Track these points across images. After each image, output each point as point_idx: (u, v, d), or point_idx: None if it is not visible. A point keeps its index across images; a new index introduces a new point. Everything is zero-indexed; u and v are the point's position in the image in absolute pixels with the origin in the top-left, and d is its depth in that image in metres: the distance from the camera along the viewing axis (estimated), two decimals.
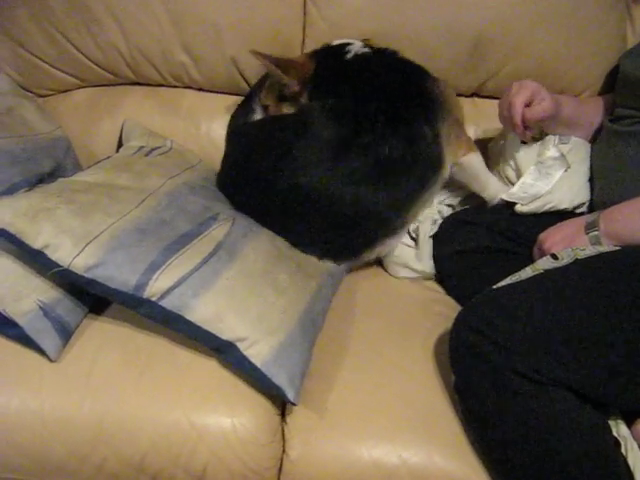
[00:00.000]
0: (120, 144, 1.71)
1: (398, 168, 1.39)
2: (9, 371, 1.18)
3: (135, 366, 1.19)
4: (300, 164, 1.38)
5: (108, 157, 1.55)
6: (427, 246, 1.58)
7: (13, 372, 1.18)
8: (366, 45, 1.57)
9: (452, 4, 1.60)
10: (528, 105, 1.45)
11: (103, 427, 1.14)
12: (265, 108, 1.65)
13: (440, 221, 1.60)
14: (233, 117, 1.73)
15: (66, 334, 1.22)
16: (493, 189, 1.55)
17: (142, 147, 1.60)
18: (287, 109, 1.58)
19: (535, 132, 1.52)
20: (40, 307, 1.19)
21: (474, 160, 1.54)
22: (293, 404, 1.16)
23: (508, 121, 1.46)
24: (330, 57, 1.57)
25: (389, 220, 1.46)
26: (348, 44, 1.56)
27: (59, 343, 1.20)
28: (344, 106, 1.42)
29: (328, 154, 1.36)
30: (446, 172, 1.49)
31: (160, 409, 1.16)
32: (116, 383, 1.17)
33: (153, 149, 1.60)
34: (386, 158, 1.37)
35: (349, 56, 1.54)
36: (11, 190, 1.37)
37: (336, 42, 1.59)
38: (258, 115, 1.67)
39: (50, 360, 1.18)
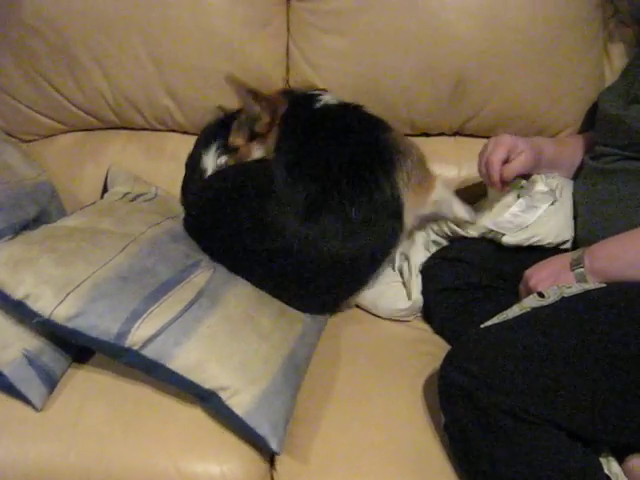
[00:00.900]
0: (105, 189, 1.71)
1: (364, 224, 1.40)
2: None
3: (121, 415, 1.18)
4: (273, 230, 1.38)
5: (93, 203, 1.55)
6: (417, 281, 1.58)
7: None
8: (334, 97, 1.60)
9: (432, 46, 1.62)
10: (507, 161, 1.47)
11: (90, 477, 1.13)
12: (233, 151, 1.65)
13: (428, 257, 1.61)
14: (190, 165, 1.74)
15: (51, 383, 1.20)
16: (459, 211, 1.57)
17: (127, 193, 1.60)
18: (256, 150, 1.59)
19: (515, 183, 1.53)
20: (25, 355, 1.18)
21: (440, 192, 1.55)
22: (276, 454, 1.16)
23: (486, 178, 1.48)
24: (301, 102, 1.59)
25: (364, 272, 1.49)
26: (321, 94, 1.59)
27: (44, 392, 1.18)
28: (310, 164, 1.44)
29: (299, 216, 1.37)
30: (409, 220, 1.50)
31: (147, 458, 1.15)
32: (102, 432, 1.16)
33: (138, 195, 1.60)
34: (353, 217, 1.39)
35: (318, 105, 1.56)
36: None
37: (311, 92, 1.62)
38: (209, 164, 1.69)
39: (35, 409, 1.17)
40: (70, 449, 1.14)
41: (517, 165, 1.47)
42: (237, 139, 1.63)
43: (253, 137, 1.59)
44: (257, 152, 1.58)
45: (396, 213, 1.45)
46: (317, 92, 1.60)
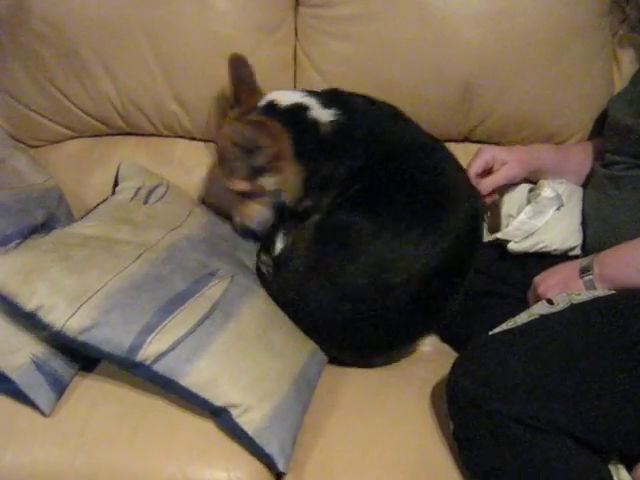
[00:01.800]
0: (116, 183, 1.68)
1: None
2: (1, 426, 1.17)
3: (129, 420, 1.18)
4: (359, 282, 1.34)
5: (105, 200, 1.54)
6: None
7: (6, 426, 1.17)
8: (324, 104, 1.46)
9: (440, 52, 1.62)
10: (490, 171, 1.50)
11: None
12: (240, 197, 1.49)
13: None
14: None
15: (60, 388, 1.20)
16: None
17: (139, 188, 1.57)
18: (271, 185, 1.44)
19: (495, 198, 1.56)
20: (33, 361, 1.18)
21: None
22: (283, 474, 1.16)
23: None
24: (302, 126, 1.43)
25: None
26: (303, 106, 1.45)
27: (52, 397, 1.18)
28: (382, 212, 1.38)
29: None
30: None
31: (155, 464, 1.15)
32: (110, 438, 1.16)
33: (150, 191, 1.58)
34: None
35: (324, 129, 1.43)
36: (4, 242, 1.36)
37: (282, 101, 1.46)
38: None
39: (43, 414, 1.17)
40: (78, 455, 1.14)
41: (497, 177, 1.50)
42: (237, 183, 1.45)
43: (256, 173, 1.43)
44: (271, 187, 1.44)
45: None
46: (297, 105, 1.45)
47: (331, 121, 1.43)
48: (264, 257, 1.55)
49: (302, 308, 1.38)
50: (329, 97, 1.48)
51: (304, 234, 1.44)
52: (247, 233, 1.58)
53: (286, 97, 1.46)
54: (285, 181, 1.44)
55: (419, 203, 1.39)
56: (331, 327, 1.38)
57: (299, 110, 1.44)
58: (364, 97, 1.52)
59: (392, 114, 1.53)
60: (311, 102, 1.45)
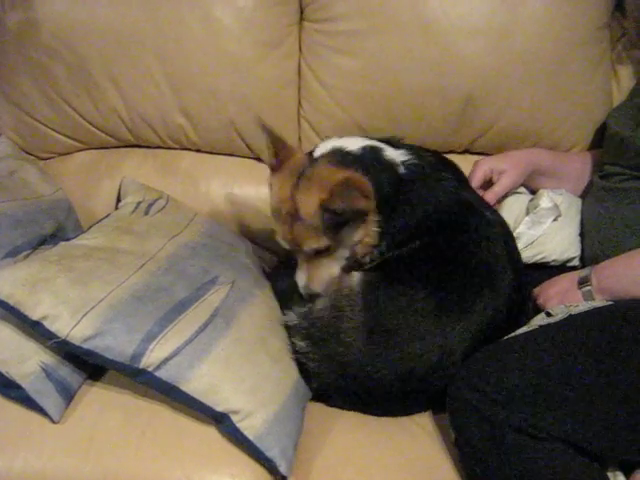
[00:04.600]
0: (119, 200, 1.72)
1: None
2: (12, 432, 1.18)
3: (136, 427, 1.20)
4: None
5: (107, 215, 1.56)
6: None
7: (16, 433, 1.18)
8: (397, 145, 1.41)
9: (441, 66, 1.64)
10: (490, 181, 1.54)
11: None
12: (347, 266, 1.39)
13: None
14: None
15: (68, 395, 1.22)
16: None
17: (140, 202, 1.60)
18: (349, 236, 1.33)
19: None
20: (43, 369, 1.20)
21: None
22: (285, 477, 1.17)
23: None
24: (380, 171, 1.35)
25: None
26: (377, 148, 1.39)
27: (61, 404, 1.20)
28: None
29: None
30: None
31: (161, 470, 1.16)
32: (118, 444, 1.18)
33: (151, 204, 1.60)
34: None
35: (401, 170, 1.37)
36: (13, 253, 1.39)
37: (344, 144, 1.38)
38: None
39: (52, 421, 1.19)
40: (86, 460, 1.15)
41: (498, 189, 1.53)
42: (314, 242, 1.32)
43: (338, 228, 1.31)
44: (352, 241, 1.34)
45: None
46: (370, 146, 1.39)
47: (404, 161, 1.38)
48: (295, 310, 1.39)
49: (362, 384, 1.30)
50: (389, 141, 1.43)
51: (348, 295, 1.33)
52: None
53: (350, 142, 1.39)
54: (367, 232, 1.35)
55: (466, 276, 1.33)
56: (394, 399, 1.32)
57: (373, 151, 1.38)
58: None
59: (446, 163, 1.50)
60: (379, 144, 1.40)
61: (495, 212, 1.45)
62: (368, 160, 1.35)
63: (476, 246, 1.35)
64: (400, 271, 1.34)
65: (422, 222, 1.36)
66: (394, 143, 1.42)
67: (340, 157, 1.35)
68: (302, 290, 1.39)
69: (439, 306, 1.28)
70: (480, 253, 1.34)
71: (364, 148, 1.37)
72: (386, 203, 1.34)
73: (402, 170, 1.37)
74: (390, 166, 1.37)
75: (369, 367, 1.27)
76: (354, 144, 1.38)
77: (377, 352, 1.27)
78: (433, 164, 1.42)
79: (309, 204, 1.29)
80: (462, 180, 1.48)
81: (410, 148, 1.42)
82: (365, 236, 1.35)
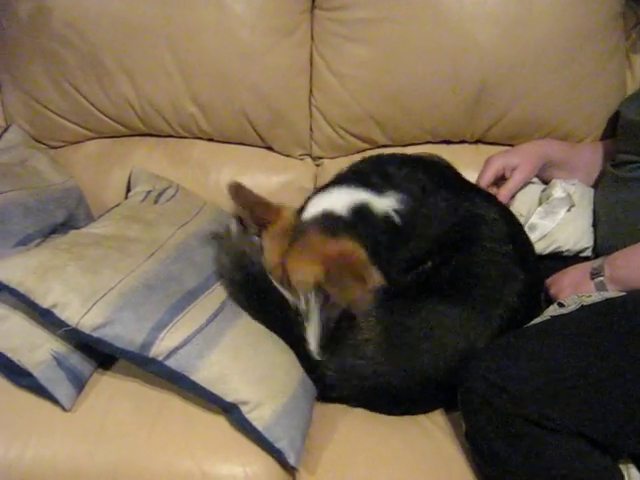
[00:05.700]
0: (128, 189, 1.72)
1: None
2: (23, 421, 1.19)
3: (147, 416, 1.20)
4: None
5: (118, 204, 1.57)
6: None
7: (27, 422, 1.19)
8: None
9: (455, 54, 1.63)
10: (503, 177, 1.53)
11: (116, 477, 1.15)
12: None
13: None
14: None
15: (79, 384, 1.22)
16: None
17: (149, 191, 1.60)
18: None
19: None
20: (54, 357, 1.20)
21: None
22: (294, 468, 1.17)
23: None
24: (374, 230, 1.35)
25: None
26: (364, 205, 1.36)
27: (73, 393, 1.20)
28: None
29: None
30: None
31: (172, 459, 1.16)
32: (128, 433, 1.18)
33: (160, 193, 1.61)
34: None
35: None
36: (25, 241, 1.39)
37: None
38: None
39: (64, 410, 1.19)
40: (97, 449, 1.16)
41: (511, 185, 1.53)
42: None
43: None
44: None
45: None
46: (357, 206, 1.36)
47: (397, 210, 1.37)
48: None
49: (376, 393, 1.30)
50: (369, 175, 1.42)
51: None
52: None
53: (336, 201, 1.37)
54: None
55: (481, 285, 1.34)
56: (409, 403, 1.33)
57: (362, 211, 1.36)
58: (401, 158, 1.49)
59: (440, 174, 1.48)
60: (365, 195, 1.37)
61: (500, 210, 1.44)
62: (360, 225, 1.34)
63: (487, 253, 1.35)
64: (414, 287, 1.35)
65: (428, 249, 1.36)
66: (379, 186, 1.39)
67: (331, 223, 1.33)
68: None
69: (460, 316, 1.29)
70: (491, 259, 1.35)
71: (352, 209, 1.35)
72: (387, 250, 1.34)
73: (397, 220, 1.36)
74: (383, 219, 1.36)
75: (390, 378, 1.27)
76: (339, 203, 1.36)
77: (396, 363, 1.27)
78: (427, 191, 1.40)
79: (302, 277, 1.29)
80: (459, 187, 1.47)
81: (397, 186, 1.39)
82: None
